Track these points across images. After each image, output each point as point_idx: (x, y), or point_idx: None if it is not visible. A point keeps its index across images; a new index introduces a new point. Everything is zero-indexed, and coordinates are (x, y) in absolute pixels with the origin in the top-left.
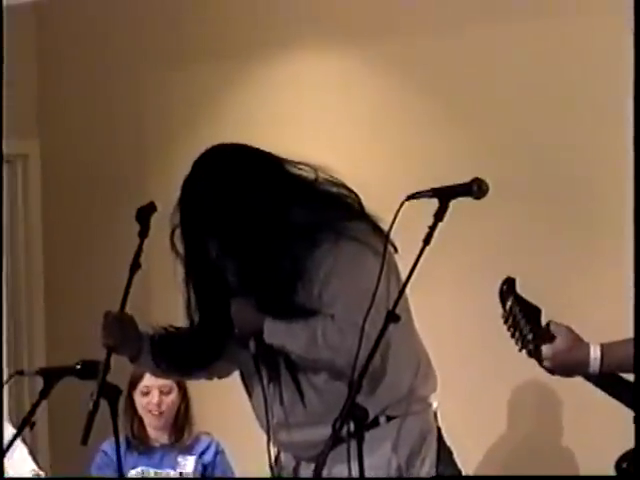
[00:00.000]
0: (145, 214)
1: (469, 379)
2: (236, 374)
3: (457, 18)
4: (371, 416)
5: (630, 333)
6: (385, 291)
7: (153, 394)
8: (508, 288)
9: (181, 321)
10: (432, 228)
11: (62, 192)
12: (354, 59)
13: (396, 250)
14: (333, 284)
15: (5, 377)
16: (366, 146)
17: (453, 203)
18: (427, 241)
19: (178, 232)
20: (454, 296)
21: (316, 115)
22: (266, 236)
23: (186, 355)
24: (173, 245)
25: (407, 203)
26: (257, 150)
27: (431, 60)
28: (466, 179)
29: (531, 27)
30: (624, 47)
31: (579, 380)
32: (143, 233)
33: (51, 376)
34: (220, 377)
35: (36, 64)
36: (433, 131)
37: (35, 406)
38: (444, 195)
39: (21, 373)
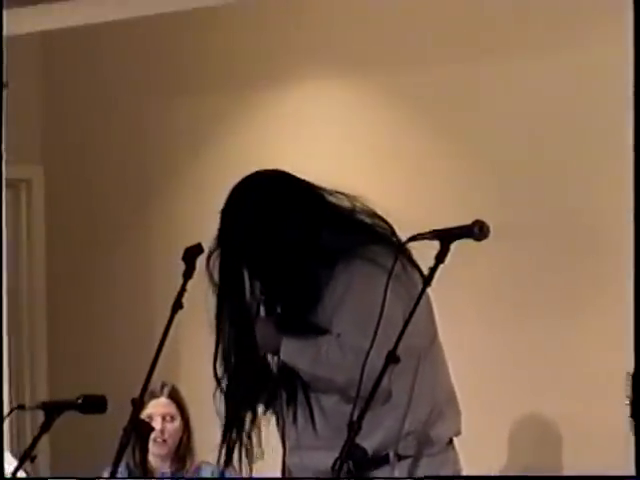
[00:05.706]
0: (191, 255)
1: (470, 411)
2: None
3: (457, 50)
4: (374, 446)
5: None
6: (400, 317)
7: (156, 421)
8: None
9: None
10: (433, 269)
11: (66, 218)
12: (354, 91)
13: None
14: (344, 304)
15: (6, 410)
16: (367, 179)
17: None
18: (428, 282)
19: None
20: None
21: (317, 147)
22: (291, 258)
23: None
24: (210, 276)
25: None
26: (295, 178)
27: (431, 92)
28: (468, 218)
29: (534, 60)
30: (627, 81)
31: (579, 414)
32: (188, 273)
33: (52, 410)
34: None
35: (41, 90)
36: (432, 165)
37: (36, 440)
38: (445, 237)
39: (22, 407)
